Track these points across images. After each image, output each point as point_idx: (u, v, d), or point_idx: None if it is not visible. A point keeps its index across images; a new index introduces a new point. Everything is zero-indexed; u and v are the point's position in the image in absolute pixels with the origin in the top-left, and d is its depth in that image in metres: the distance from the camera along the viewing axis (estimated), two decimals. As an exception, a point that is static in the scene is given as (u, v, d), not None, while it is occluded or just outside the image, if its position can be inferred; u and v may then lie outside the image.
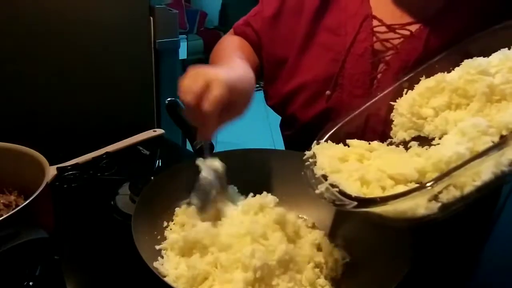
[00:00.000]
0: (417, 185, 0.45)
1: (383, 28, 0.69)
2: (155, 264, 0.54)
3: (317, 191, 0.48)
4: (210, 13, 4.99)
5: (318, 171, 0.50)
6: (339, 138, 0.57)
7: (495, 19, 0.56)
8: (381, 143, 0.57)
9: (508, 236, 1.11)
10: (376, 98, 0.60)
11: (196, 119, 0.56)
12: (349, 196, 0.45)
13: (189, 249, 0.57)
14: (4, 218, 0.50)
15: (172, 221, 0.62)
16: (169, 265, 0.55)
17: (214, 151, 0.78)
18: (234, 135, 3.26)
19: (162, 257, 0.56)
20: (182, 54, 1.71)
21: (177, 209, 0.64)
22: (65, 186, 0.83)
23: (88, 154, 0.93)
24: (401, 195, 0.41)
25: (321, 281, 0.55)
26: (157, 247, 0.57)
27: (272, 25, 0.80)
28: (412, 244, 0.50)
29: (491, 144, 0.44)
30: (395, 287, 0.46)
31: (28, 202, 0.53)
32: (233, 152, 0.71)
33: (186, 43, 1.88)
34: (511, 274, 1.10)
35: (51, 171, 0.80)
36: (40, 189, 0.55)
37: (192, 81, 0.55)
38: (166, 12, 1.33)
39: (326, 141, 0.57)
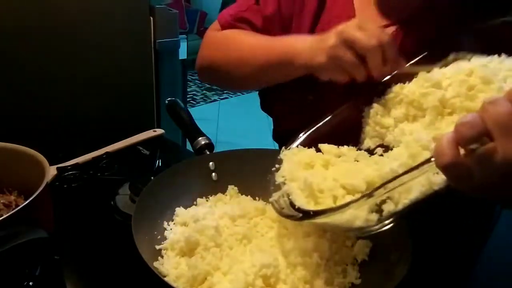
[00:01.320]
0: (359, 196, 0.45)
1: None
2: (155, 264, 0.54)
3: (270, 199, 0.50)
4: (210, 13, 4.99)
5: (278, 178, 0.51)
6: (318, 141, 0.58)
7: (470, 20, 0.57)
8: (352, 147, 0.57)
9: (508, 236, 1.11)
10: (350, 102, 0.61)
11: (379, 63, 0.55)
12: (293, 206, 0.46)
13: (190, 250, 0.57)
14: (4, 218, 0.50)
15: (172, 221, 0.62)
16: (169, 265, 0.55)
17: (214, 151, 0.78)
18: (234, 135, 3.27)
19: (162, 257, 0.56)
20: (182, 54, 1.71)
21: (177, 209, 0.64)
22: (65, 186, 0.83)
23: (88, 154, 0.93)
24: (330, 210, 0.43)
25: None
26: (157, 247, 0.57)
27: (271, 23, 0.77)
28: (411, 245, 0.50)
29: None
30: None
31: (28, 202, 0.53)
32: (233, 152, 0.71)
33: (186, 43, 1.87)
34: (511, 274, 1.10)
35: (51, 171, 0.80)
36: (40, 189, 0.55)
37: (343, 42, 0.56)
38: (166, 12, 1.33)
39: (297, 146, 0.57)
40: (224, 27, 0.82)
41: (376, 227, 0.43)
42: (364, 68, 0.56)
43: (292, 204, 0.47)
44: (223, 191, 0.68)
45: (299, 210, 0.45)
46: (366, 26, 0.56)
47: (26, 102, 1.02)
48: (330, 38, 0.58)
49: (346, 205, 0.42)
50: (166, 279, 0.51)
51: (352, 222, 0.43)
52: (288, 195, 0.49)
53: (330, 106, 0.70)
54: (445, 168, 0.34)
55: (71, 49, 1.07)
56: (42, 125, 1.05)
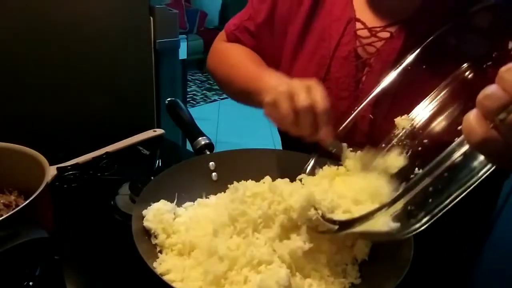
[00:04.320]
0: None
1: (365, 32, 0.70)
2: (155, 264, 0.54)
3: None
4: (210, 13, 5.00)
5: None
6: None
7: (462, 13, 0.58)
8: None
9: (508, 236, 1.11)
10: (362, 105, 0.63)
11: (307, 126, 0.59)
12: (330, 220, 0.49)
13: (188, 251, 0.57)
14: (4, 218, 0.50)
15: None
16: (169, 264, 0.54)
17: (214, 151, 0.78)
18: (234, 135, 3.27)
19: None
20: (182, 54, 1.71)
21: (177, 209, 0.63)
22: (65, 186, 0.83)
23: (88, 154, 0.93)
24: (363, 218, 0.44)
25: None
26: (157, 247, 0.57)
27: (266, 30, 0.81)
28: (412, 245, 0.50)
29: None
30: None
31: (28, 202, 0.53)
32: (233, 152, 0.72)
33: (186, 43, 1.88)
34: (510, 274, 1.10)
35: (51, 171, 0.80)
36: (40, 189, 0.55)
37: (289, 97, 0.58)
38: (166, 12, 1.33)
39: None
40: (228, 37, 0.87)
41: (417, 225, 0.42)
42: (295, 125, 0.59)
43: (326, 219, 0.49)
44: (223, 191, 0.68)
45: (335, 222, 0.48)
46: (315, 88, 0.59)
47: (26, 102, 1.02)
48: (282, 85, 0.61)
49: (379, 209, 0.42)
50: (165, 278, 0.51)
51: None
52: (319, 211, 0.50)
53: (332, 107, 0.71)
54: (479, 145, 0.33)
55: (71, 49, 1.06)
56: (42, 125, 1.05)
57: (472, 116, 0.33)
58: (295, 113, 0.58)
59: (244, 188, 0.58)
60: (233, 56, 0.84)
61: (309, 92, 0.58)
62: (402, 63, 0.62)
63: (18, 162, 0.64)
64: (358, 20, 0.71)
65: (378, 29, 0.69)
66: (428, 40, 0.61)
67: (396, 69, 0.62)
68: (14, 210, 0.52)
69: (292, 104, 0.58)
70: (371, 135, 0.67)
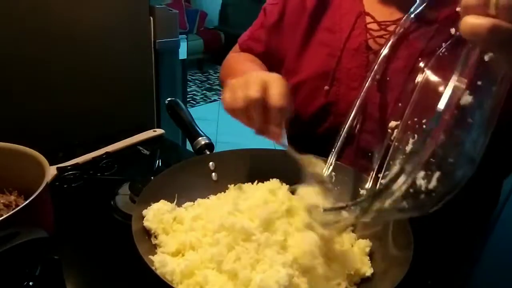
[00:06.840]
0: None
1: (375, 25, 0.71)
2: (155, 264, 0.53)
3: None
4: (210, 13, 5.00)
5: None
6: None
7: None
8: None
9: (508, 236, 1.11)
10: (364, 89, 0.63)
11: (255, 119, 0.57)
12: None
13: (189, 251, 0.56)
14: (4, 218, 0.50)
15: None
16: (170, 265, 0.54)
17: (214, 151, 0.78)
18: (234, 135, 3.27)
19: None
20: (182, 54, 1.71)
21: (177, 209, 0.63)
22: (65, 186, 0.83)
23: (88, 154, 0.93)
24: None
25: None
26: (157, 247, 0.57)
27: (276, 32, 0.82)
28: (412, 244, 0.50)
29: None
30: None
31: (28, 202, 0.53)
32: (233, 152, 0.72)
33: (186, 43, 1.88)
34: (510, 274, 1.10)
35: (51, 171, 0.80)
36: (40, 189, 0.55)
37: (244, 87, 0.56)
38: (166, 12, 1.33)
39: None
40: (241, 48, 0.90)
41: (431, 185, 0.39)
42: (245, 116, 0.58)
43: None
44: (223, 191, 0.68)
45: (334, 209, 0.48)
46: (273, 82, 0.57)
47: (26, 102, 1.03)
48: (245, 75, 0.59)
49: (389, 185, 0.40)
50: (165, 278, 0.51)
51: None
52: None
53: (343, 96, 0.71)
54: (491, 37, 0.32)
55: (71, 49, 1.07)
56: (43, 125, 1.05)
57: (469, 18, 0.32)
58: (246, 103, 0.57)
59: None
60: (237, 61, 0.86)
61: (265, 86, 0.56)
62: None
63: (18, 162, 0.64)
64: (368, 14, 0.72)
65: (388, 23, 0.70)
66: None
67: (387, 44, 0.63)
68: (14, 210, 0.52)
69: (245, 93, 0.57)
70: (381, 121, 0.67)
